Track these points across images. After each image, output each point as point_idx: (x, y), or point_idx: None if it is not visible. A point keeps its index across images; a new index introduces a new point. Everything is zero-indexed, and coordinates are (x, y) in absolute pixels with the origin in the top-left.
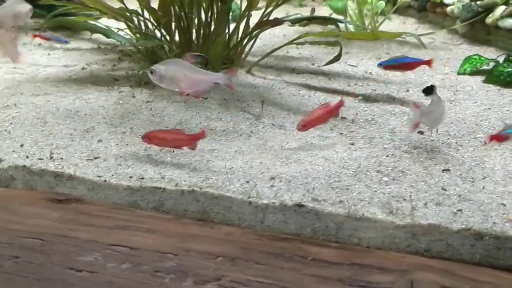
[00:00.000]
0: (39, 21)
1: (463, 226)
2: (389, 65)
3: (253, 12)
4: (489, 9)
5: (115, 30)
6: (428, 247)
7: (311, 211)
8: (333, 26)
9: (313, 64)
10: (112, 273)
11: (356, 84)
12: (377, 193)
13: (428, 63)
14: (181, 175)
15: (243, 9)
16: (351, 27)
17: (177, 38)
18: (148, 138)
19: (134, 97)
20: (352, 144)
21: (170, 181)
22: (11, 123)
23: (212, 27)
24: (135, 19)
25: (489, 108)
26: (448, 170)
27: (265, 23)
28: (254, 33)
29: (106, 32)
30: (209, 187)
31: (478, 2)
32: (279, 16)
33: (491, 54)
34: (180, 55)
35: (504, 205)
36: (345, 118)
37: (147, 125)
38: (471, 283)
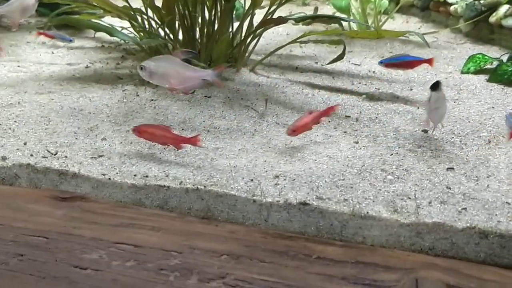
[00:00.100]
0: (42, 20)
1: (468, 225)
2: (390, 63)
3: (257, 11)
4: (493, 8)
5: (119, 29)
6: (432, 246)
7: (316, 209)
8: (337, 25)
9: (316, 62)
10: (116, 271)
11: (359, 83)
12: (382, 192)
13: (429, 61)
14: (185, 173)
15: (246, 7)
16: (354, 26)
17: (180, 36)
18: (139, 131)
19: (138, 95)
20: (356, 142)
21: (174, 179)
22: (15, 121)
23: (216, 26)
24: (139, 18)
25: (492, 107)
26: (453, 168)
27: (268, 22)
28: (258, 31)
29: (110, 31)
30: (213, 185)
31: (482, 1)
32: (283, 15)
33: (494, 53)
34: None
35: (509, 203)
36: (349, 116)
37: (151, 123)
38: (476, 281)
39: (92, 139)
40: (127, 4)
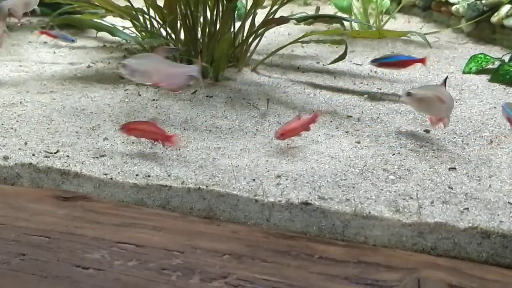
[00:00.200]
0: (44, 19)
1: (470, 225)
2: (383, 63)
3: (259, 11)
4: (494, 8)
5: (121, 28)
6: (434, 245)
7: (318, 209)
8: (338, 25)
9: (318, 62)
10: (119, 271)
11: (361, 83)
12: (384, 191)
13: (423, 61)
14: (187, 173)
15: (248, 7)
16: (356, 26)
17: (182, 36)
18: (127, 129)
19: (139, 95)
20: (358, 142)
21: (176, 179)
22: (17, 121)
23: (218, 26)
24: (141, 17)
25: (494, 107)
26: (455, 168)
27: (270, 22)
28: (260, 31)
29: (112, 30)
30: (215, 185)
31: (483, 1)
32: (284, 15)
33: (496, 53)
34: (185, 53)
35: (511, 203)
36: (351, 116)
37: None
38: (478, 281)
39: (94, 138)
40: (129, 4)
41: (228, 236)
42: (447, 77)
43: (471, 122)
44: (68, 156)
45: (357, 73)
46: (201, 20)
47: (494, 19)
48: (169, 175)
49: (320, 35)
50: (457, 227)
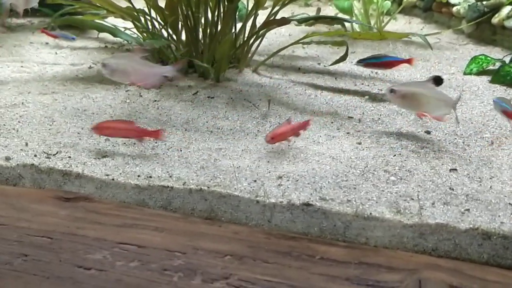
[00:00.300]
0: (46, 20)
1: (471, 226)
2: (369, 63)
3: (260, 12)
4: (495, 9)
5: (122, 29)
6: (435, 247)
7: (319, 210)
8: (339, 26)
9: (319, 63)
10: (120, 271)
11: (362, 84)
12: (385, 193)
13: (409, 61)
14: (188, 174)
15: (249, 8)
16: (357, 27)
17: (183, 37)
18: (98, 129)
19: (141, 96)
20: (359, 143)
21: (177, 180)
22: (19, 122)
23: (219, 27)
24: (142, 18)
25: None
26: (455, 169)
27: (272, 23)
28: (261, 32)
29: (113, 31)
30: (216, 186)
31: (484, 2)
32: (285, 16)
33: (497, 54)
34: (187, 54)
35: None
36: (352, 117)
37: (154, 124)
38: (479, 282)
39: (95, 139)
40: (130, 5)
41: (229, 237)
42: (438, 76)
43: (472, 123)
44: (70, 157)
45: (358, 74)
46: (203, 21)
47: (495, 20)
48: (170, 176)
49: (321, 36)
50: (458, 228)
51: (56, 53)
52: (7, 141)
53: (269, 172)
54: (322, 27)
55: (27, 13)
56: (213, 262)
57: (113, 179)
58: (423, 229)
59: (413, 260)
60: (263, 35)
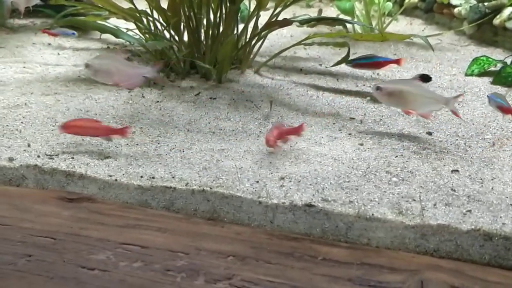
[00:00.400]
0: (48, 21)
1: (473, 227)
2: (358, 64)
3: (262, 13)
4: (497, 10)
5: (124, 30)
6: (437, 247)
7: (321, 211)
8: (341, 27)
9: (320, 64)
10: (124, 272)
11: (364, 85)
12: (387, 194)
13: (398, 62)
14: (191, 174)
15: (251, 9)
16: (358, 28)
17: (186, 38)
18: (65, 127)
19: (143, 97)
20: (361, 144)
21: (180, 181)
22: (22, 122)
23: (221, 28)
24: (144, 20)
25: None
26: (457, 171)
27: (273, 24)
28: (263, 33)
29: (116, 32)
30: (219, 187)
31: (486, 3)
32: (287, 17)
33: (498, 55)
34: (189, 55)
35: None
36: (353, 118)
37: (156, 124)
38: (481, 283)
39: (98, 140)
40: (132, 6)
41: (232, 237)
42: (425, 75)
43: (473, 124)
44: (72, 158)
45: (360, 75)
46: (205, 22)
47: (496, 21)
48: (173, 177)
49: (323, 37)
50: (460, 229)
51: (58, 54)
52: (10, 142)
53: (271, 173)
54: (323, 28)
55: (29, 12)
56: (216, 263)
57: (116, 180)
58: (425, 230)
59: (415, 261)
60: (265, 36)
